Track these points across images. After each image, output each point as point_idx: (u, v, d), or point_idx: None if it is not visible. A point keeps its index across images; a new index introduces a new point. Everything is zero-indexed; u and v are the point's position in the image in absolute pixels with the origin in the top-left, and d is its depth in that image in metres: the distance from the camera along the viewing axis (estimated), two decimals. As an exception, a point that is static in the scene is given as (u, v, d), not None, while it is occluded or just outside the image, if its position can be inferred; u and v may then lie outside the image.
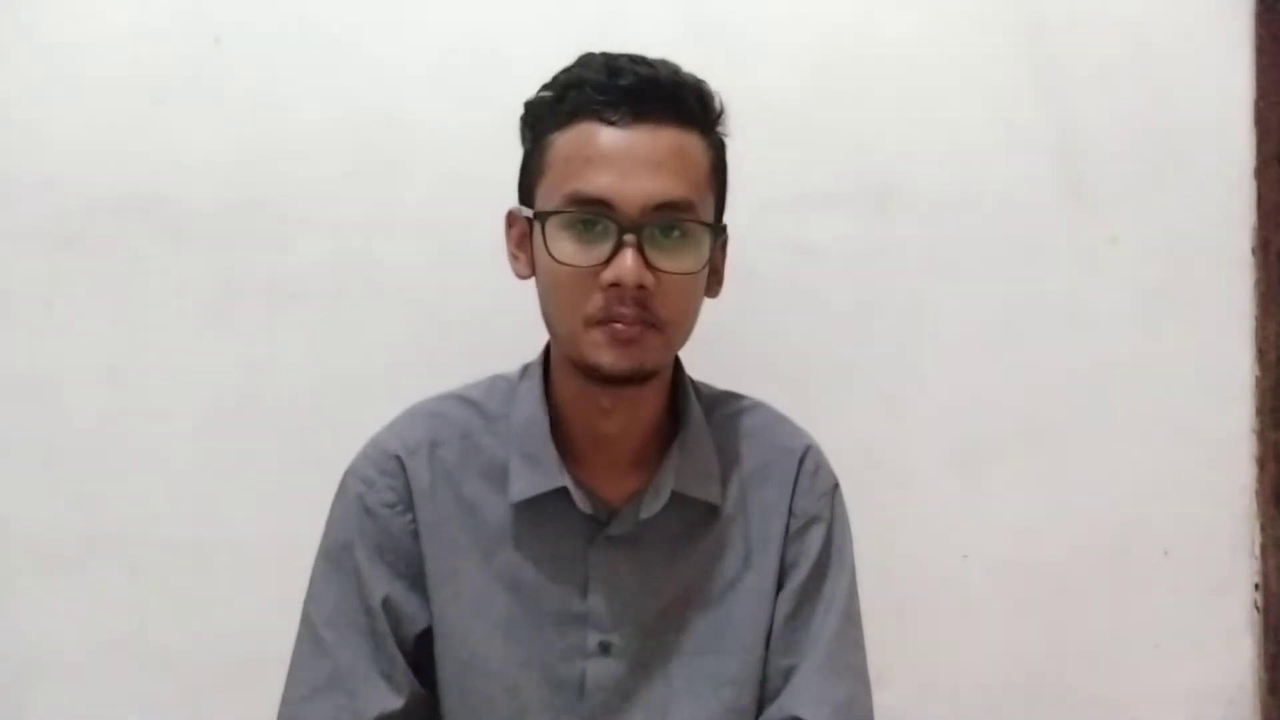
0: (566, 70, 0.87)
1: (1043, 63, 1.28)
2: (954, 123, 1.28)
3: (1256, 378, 1.30)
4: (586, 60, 0.87)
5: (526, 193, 0.90)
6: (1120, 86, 1.29)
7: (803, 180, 1.26)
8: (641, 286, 0.81)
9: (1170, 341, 1.29)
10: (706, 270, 0.88)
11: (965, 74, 1.28)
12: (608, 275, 0.81)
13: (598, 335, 0.83)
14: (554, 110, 0.86)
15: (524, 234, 0.90)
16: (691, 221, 0.84)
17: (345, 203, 1.23)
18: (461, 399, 0.96)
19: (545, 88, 0.88)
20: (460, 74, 1.24)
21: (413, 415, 0.96)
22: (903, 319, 1.27)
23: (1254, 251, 1.30)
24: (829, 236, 1.26)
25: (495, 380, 0.98)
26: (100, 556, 1.21)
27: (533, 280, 0.90)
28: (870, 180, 1.27)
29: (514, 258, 0.92)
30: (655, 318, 0.84)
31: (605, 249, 0.82)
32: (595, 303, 0.83)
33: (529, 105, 0.90)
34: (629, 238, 0.81)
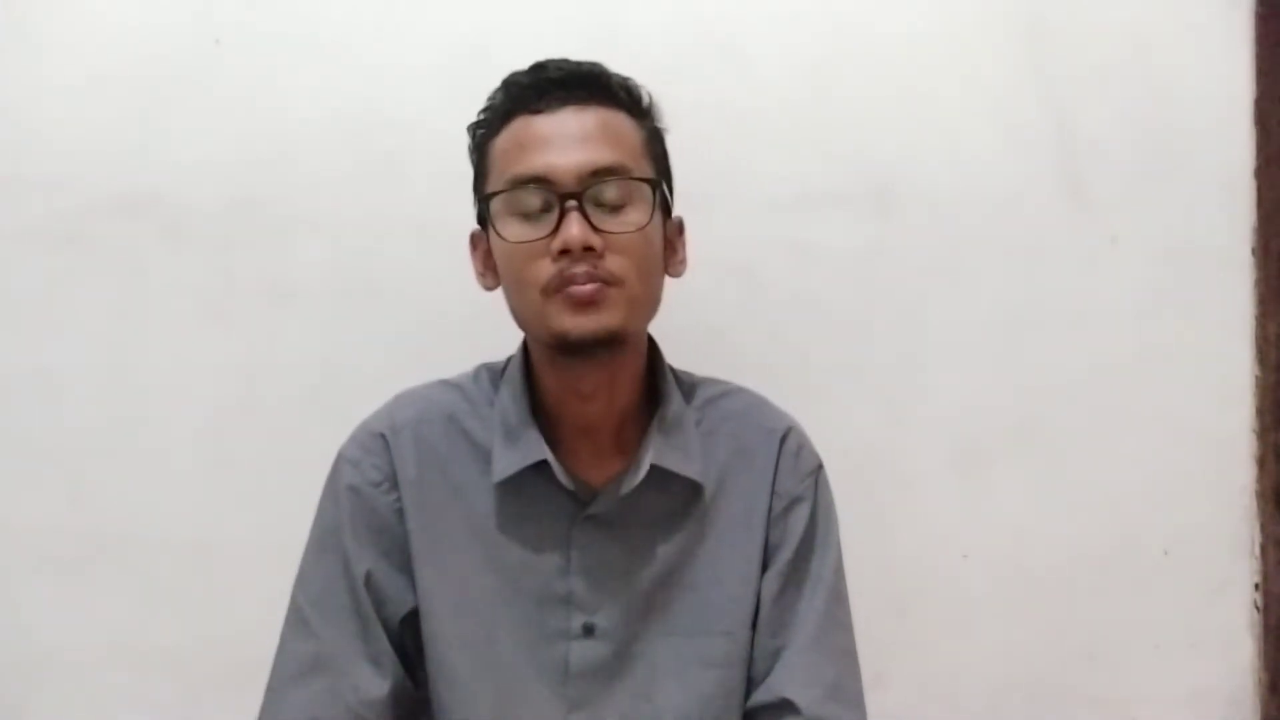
0: (496, 88, 0.93)
1: (1043, 63, 1.28)
2: (954, 123, 1.28)
3: (1256, 378, 1.30)
4: (512, 74, 0.93)
5: (479, 204, 0.94)
6: (1120, 86, 1.29)
7: (803, 180, 1.26)
8: (589, 248, 0.85)
9: (1170, 342, 1.29)
10: (657, 232, 0.91)
11: (965, 74, 1.28)
12: (556, 243, 0.85)
13: (557, 303, 0.86)
14: (490, 119, 0.93)
15: (487, 250, 0.94)
16: (627, 179, 0.88)
17: (345, 203, 1.23)
18: (447, 384, 0.99)
19: (482, 110, 0.94)
20: (460, 74, 1.23)
21: (399, 399, 0.99)
22: (903, 319, 1.27)
23: (1254, 252, 1.30)
24: (829, 236, 1.26)
25: (480, 370, 1.01)
26: (100, 557, 1.21)
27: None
28: (870, 180, 1.27)
29: (480, 274, 0.97)
30: (609, 274, 0.86)
31: (551, 220, 0.86)
32: (548, 271, 0.86)
33: (471, 128, 0.95)
34: (570, 204, 0.85)
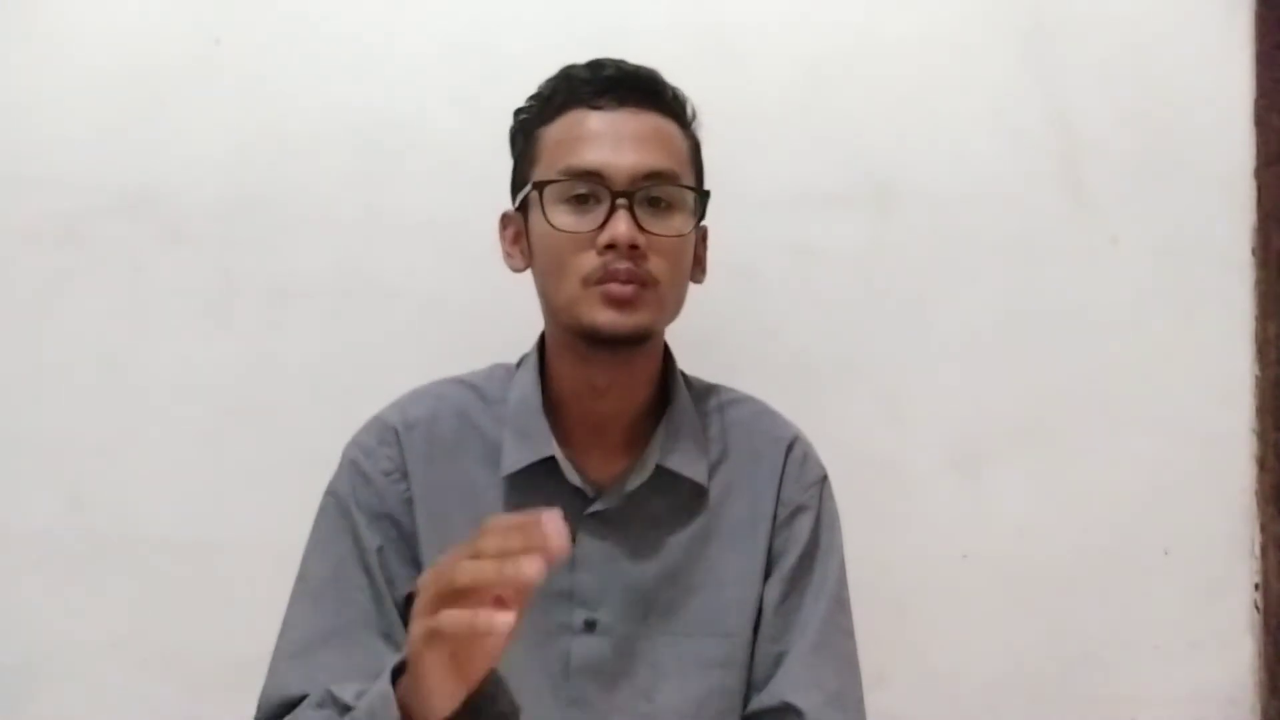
0: (552, 78, 0.95)
1: (1043, 63, 1.28)
2: (954, 123, 1.28)
3: (1256, 378, 1.30)
4: (569, 67, 0.94)
5: (519, 189, 0.95)
6: (1120, 86, 1.29)
7: (803, 180, 1.26)
8: (634, 246, 0.87)
9: (1170, 342, 1.29)
10: (692, 239, 0.94)
11: (965, 74, 1.28)
12: (603, 237, 0.87)
13: (595, 295, 0.88)
14: (544, 109, 0.93)
15: (518, 232, 0.96)
16: (677, 187, 0.91)
17: (345, 203, 1.23)
18: (461, 382, 1.00)
19: (533, 96, 0.95)
20: (460, 74, 1.24)
21: (414, 395, 1.00)
22: (903, 319, 1.27)
23: (1254, 252, 1.30)
24: (829, 236, 1.26)
25: (495, 368, 1.02)
26: (100, 556, 1.21)
27: (528, 276, 0.95)
28: (870, 180, 1.27)
29: (509, 255, 0.98)
30: (648, 275, 0.88)
31: (600, 214, 0.88)
32: (592, 263, 0.88)
33: (518, 113, 0.96)
34: (621, 201, 0.87)
